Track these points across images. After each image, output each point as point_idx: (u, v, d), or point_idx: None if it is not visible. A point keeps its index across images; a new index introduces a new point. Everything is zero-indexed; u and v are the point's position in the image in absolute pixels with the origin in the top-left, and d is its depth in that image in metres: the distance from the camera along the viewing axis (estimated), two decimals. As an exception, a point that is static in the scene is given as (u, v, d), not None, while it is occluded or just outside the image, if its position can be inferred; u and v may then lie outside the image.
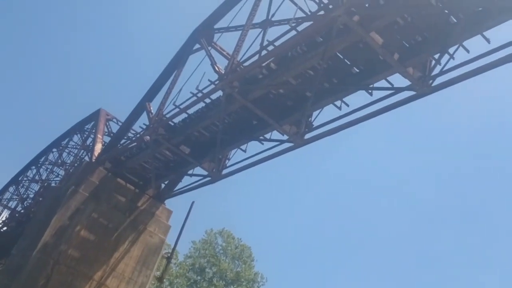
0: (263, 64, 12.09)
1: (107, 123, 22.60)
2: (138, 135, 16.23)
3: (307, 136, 13.17)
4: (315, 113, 13.31)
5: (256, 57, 11.89)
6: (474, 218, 68.45)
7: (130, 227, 17.05)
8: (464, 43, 10.05)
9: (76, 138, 26.03)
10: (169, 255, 18.28)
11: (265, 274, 40.46)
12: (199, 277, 40.01)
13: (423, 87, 10.29)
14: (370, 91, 11.54)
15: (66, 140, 26.93)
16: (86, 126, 24.92)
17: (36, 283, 14.66)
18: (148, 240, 17.27)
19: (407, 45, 10.33)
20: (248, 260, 40.72)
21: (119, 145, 17.67)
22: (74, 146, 25.83)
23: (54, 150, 28.54)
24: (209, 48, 14.76)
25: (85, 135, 24.44)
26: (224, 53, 15.33)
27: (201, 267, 40.15)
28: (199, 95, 13.48)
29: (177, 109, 14.51)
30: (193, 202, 19.66)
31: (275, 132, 14.17)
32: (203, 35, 15.22)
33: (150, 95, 17.04)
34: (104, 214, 16.62)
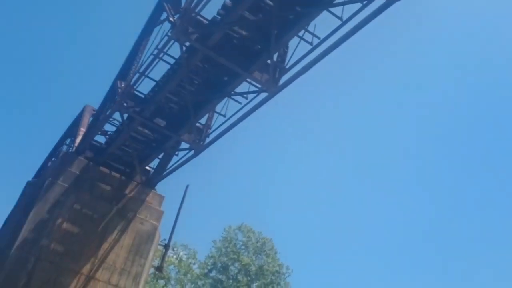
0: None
1: (93, 118, 21.58)
2: (107, 113, 15.11)
3: (281, 80, 11.90)
4: (288, 56, 12.10)
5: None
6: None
7: (118, 216, 15.90)
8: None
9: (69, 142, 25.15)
10: (166, 243, 17.11)
11: (291, 265, 39.07)
12: (223, 276, 38.84)
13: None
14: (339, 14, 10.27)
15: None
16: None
17: (17, 283, 13.58)
18: (139, 228, 16.11)
19: None
20: (271, 252, 39.37)
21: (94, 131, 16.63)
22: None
23: (54, 159, 27.79)
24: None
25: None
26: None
27: (224, 265, 38.97)
28: (157, 53, 12.32)
29: (142, 78, 13.41)
30: (187, 186, 18.53)
31: (252, 87, 13.02)
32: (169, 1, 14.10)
33: (121, 74, 15.92)
34: (87, 204, 15.49)
